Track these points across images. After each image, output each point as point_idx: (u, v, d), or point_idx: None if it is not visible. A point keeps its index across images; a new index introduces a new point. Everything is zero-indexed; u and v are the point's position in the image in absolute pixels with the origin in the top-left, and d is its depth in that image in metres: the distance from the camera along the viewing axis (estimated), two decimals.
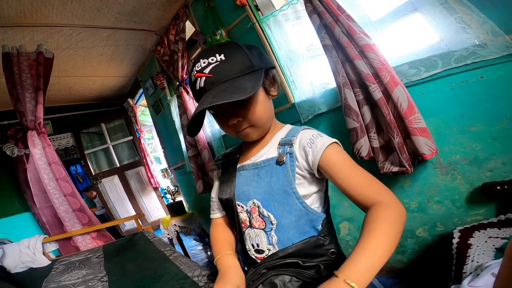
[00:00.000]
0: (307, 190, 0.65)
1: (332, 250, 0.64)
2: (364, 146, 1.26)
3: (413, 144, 1.14)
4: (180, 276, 1.09)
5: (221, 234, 0.77)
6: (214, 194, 0.80)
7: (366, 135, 1.26)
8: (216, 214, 0.80)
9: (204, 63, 0.61)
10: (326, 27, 1.30)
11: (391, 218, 0.51)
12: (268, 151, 0.69)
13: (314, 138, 0.63)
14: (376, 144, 1.26)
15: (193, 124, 0.67)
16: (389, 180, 1.34)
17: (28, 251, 1.80)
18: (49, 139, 2.25)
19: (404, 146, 1.17)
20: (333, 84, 1.43)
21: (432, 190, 1.27)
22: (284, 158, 0.64)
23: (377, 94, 1.17)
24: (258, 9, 1.79)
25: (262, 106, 0.65)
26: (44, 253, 1.91)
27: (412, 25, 1.32)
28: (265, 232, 0.65)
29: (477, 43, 1.05)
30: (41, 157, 2.09)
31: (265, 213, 0.65)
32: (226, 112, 0.65)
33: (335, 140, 0.63)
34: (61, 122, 3.91)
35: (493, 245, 0.90)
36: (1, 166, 3.36)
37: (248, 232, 0.69)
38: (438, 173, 1.24)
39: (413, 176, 1.30)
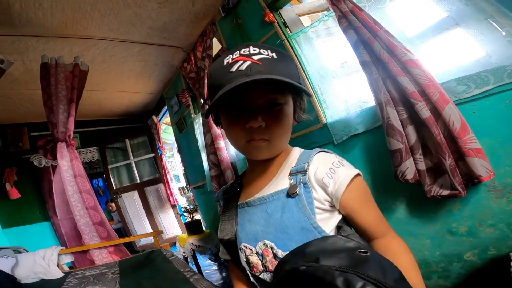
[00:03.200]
0: (332, 224, 0.55)
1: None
2: (409, 168, 1.15)
3: (467, 166, 1.03)
4: None
5: (238, 273, 0.68)
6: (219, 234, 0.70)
7: (411, 157, 1.16)
8: (228, 256, 0.69)
9: (254, 50, 0.53)
10: (364, 43, 1.26)
11: (403, 246, 0.55)
12: (276, 182, 0.59)
13: (336, 167, 0.55)
14: (422, 166, 1.15)
15: (214, 104, 0.52)
16: (435, 204, 1.22)
17: (42, 262, 1.76)
18: (76, 152, 2.28)
19: (457, 168, 1.06)
20: (371, 103, 1.36)
21: (484, 214, 1.15)
22: (297, 190, 0.54)
23: (425, 112, 1.08)
24: (286, 26, 1.80)
25: (287, 122, 0.58)
26: (58, 265, 1.86)
27: (453, 40, 1.26)
28: None
29: None
30: (68, 169, 2.11)
31: (280, 254, 0.54)
32: (250, 111, 0.54)
33: (358, 171, 0.56)
34: (88, 136, 4.03)
35: None
36: (28, 175, 3.45)
37: (264, 276, 0.57)
38: (492, 196, 1.13)
39: (463, 200, 1.18)
